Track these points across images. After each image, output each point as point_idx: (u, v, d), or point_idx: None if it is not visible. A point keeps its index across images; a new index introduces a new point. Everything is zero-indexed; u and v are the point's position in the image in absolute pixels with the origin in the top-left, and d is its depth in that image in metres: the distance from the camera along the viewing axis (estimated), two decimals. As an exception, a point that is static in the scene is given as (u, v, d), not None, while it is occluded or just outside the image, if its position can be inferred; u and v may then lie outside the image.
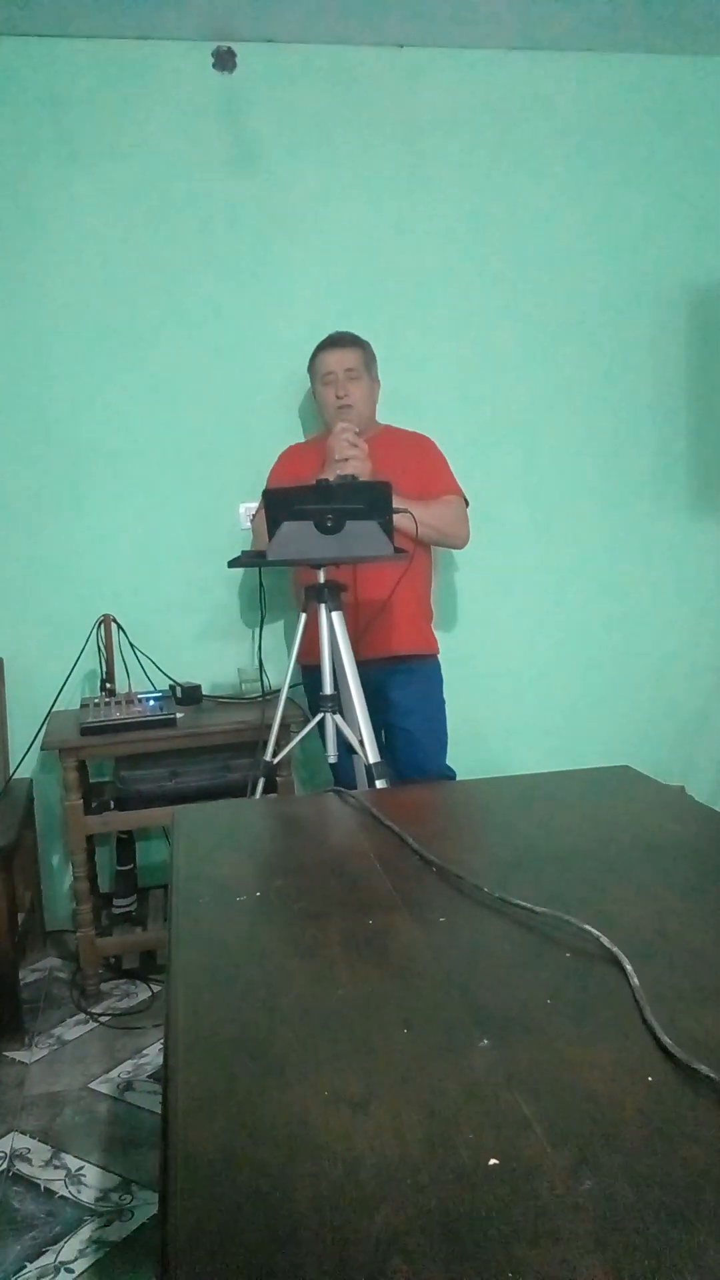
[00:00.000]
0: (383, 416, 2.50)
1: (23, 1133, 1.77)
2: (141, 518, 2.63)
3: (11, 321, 2.53)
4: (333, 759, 2.01)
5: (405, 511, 2.01)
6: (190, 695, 2.47)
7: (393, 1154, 0.62)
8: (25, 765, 2.55)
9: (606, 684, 2.94)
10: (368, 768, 1.94)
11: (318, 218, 2.64)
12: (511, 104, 2.71)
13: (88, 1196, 1.59)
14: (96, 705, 2.32)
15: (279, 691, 2.11)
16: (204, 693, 2.52)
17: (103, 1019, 2.20)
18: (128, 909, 2.48)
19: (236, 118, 2.59)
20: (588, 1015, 0.78)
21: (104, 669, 2.49)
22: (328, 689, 1.97)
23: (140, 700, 2.33)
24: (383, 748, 2.13)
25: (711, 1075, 0.68)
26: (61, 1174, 1.65)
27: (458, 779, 2.32)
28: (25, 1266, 1.44)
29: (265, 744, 2.06)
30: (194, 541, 2.65)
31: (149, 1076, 1.95)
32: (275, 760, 2.07)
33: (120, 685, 2.49)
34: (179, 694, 2.48)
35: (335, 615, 1.95)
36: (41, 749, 2.40)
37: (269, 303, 2.64)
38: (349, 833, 1.32)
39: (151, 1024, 2.15)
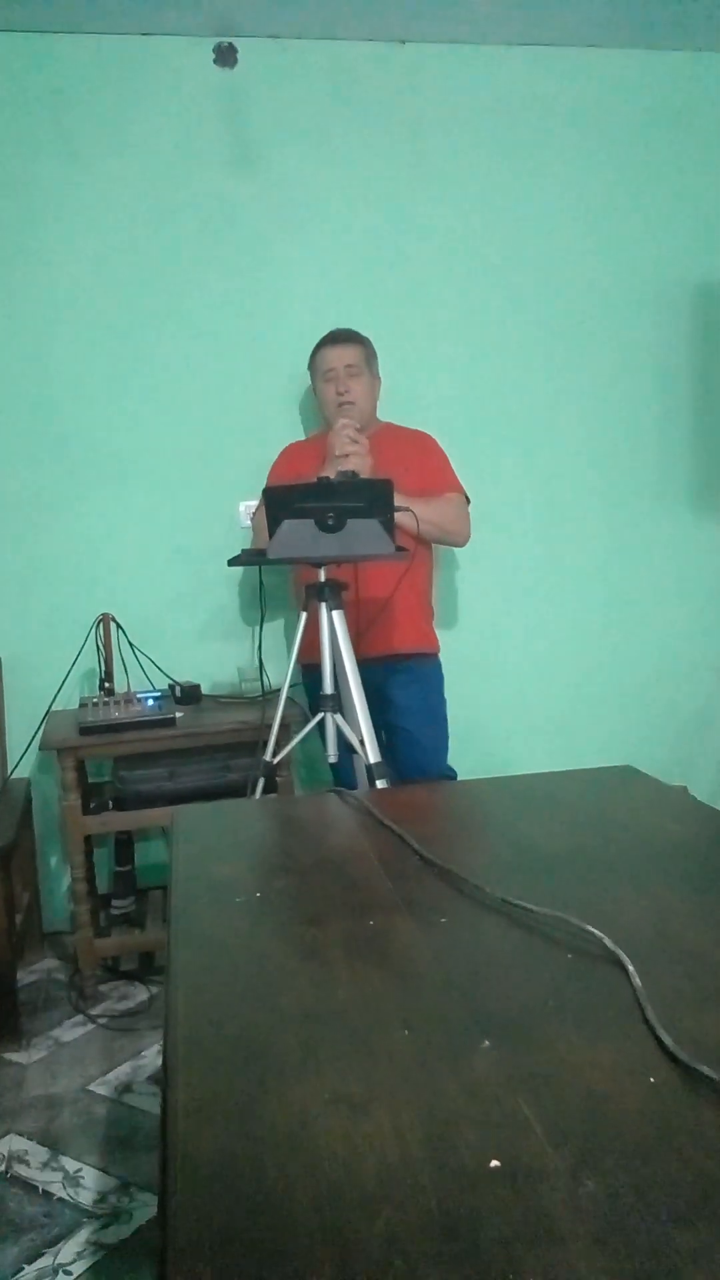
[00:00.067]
0: (384, 414, 2.50)
1: (20, 1134, 1.77)
2: (141, 516, 2.63)
3: (11, 319, 2.52)
4: (333, 759, 2.01)
5: (407, 509, 2.00)
6: (189, 695, 2.47)
7: (393, 1155, 0.62)
8: (23, 765, 2.55)
9: (608, 683, 2.94)
10: (368, 768, 1.93)
11: (319, 214, 2.64)
12: (513, 100, 2.71)
13: (86, 1198, 1.58)
14: (95, 705, 2.32)
15: (279, 691, 2.11)
16: (203, 692, 2.52)
17: (101, 1020, 2.19)
18: (126, 910, 2.48)
19: (237, 114, 2.58)
20: (589, 1016, 0.78)
21: (103, 668, 2.48)
22: (328, 688, 1.96)
23: (139, 700, 2.33)
24: (383, 747, 2.12)
25: (713, 1076, 0.67)
26: (59, 1176, 1.64)
27: (459, 779, 2.32)
28: (23, 1269, 1.43)
29: (265, 744, 2.06)
30: (194, 540, 2.64)
31: (147, 1078, 1.94)
32: (275, 760, 2.06)
33: (119, 685, 2.49)
34: (178, 693, 2.47)
35: (336, 614, 1.95)
36: (40, 749, 2.39)
37: (270, 299, 2.63)
38: (349, 833, 1.32)
39: (150, 1025, 2.15)
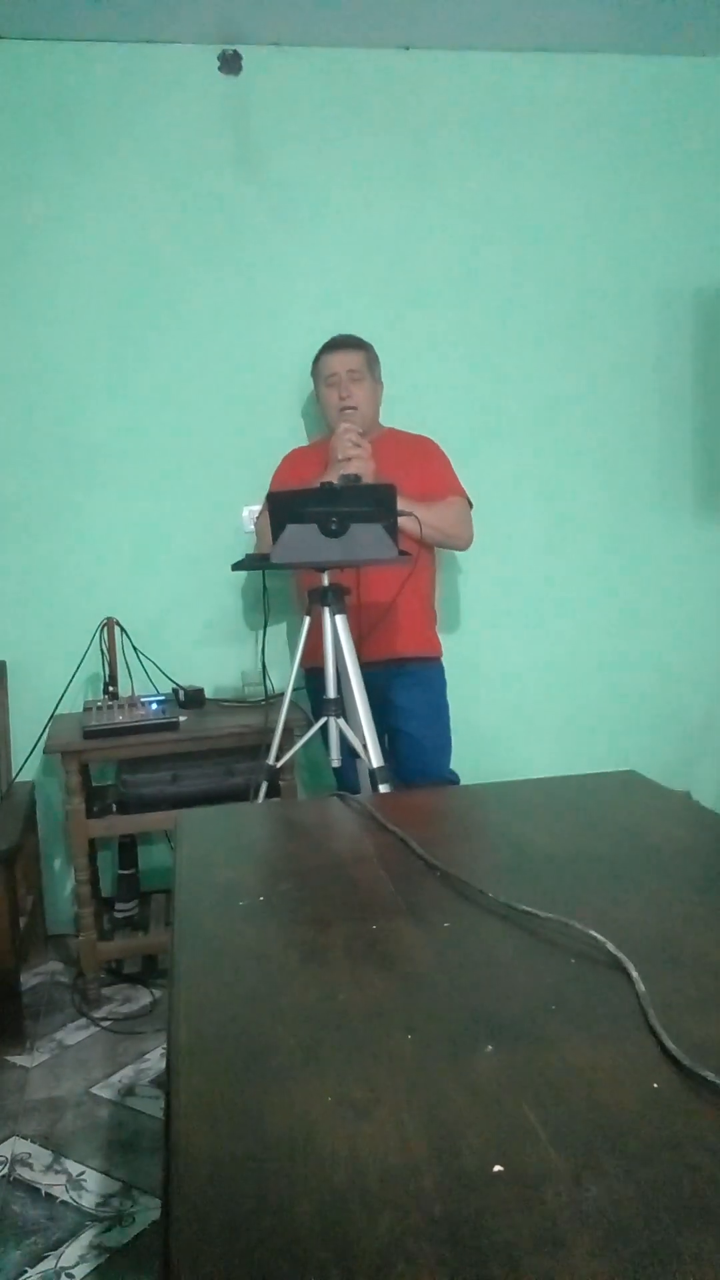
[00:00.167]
0: (386, 419, 2.50)
1: (24, 1137, 1.77)
2: (145, 521, 2.64)
3: (16, 324, 2.53)
4: (336, 763, 2.01)
5: (409, 514, 2.01)
6: (193, 699, 2.47)
7: (396, 1160, 0.62)
8: (28, 769, 2.55)
9: (611, 688, 2.93)
10: (371, 772, 1.93)
11: (322, 220, 2.65)
12: (517, 106, 2.72)
13: (89, 1202, 1.59)
14: (99, 709, 2.32)
15: (282, 695, 2.11)
16: (207, 696, 2.52)
17: (104, 1023, 2.20)
18: (129, 913, 2.48)
19: (242, 120, 2.59)
20: (593, 1021, 0.78)
21: (107, 672, 2.49)
22: (331, 692, 1.97)
23: (143, 704, 2.33)
24: (385, 752, 2.13)
25: (716, 1081, 0.67)
26: (62, 1179, 1.64)
27: (461, 783, 2.32)
28: (26, 1272, 1.43)
29: (268, 748, 2.06)
30: (197, 544, 2.65)
31: (150, 1081, 1.94)
32: (278, 764, 2.06)
33: (123, 689, 2.49)
34: (182, 697, 2.47)
35: (339, 618, 1.95)
36: (44, 752, 2.40)
37: (273, 304, 2.64)
38: (352, 837, 1.32)
39: (153, 1029, 2.15)
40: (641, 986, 0.81)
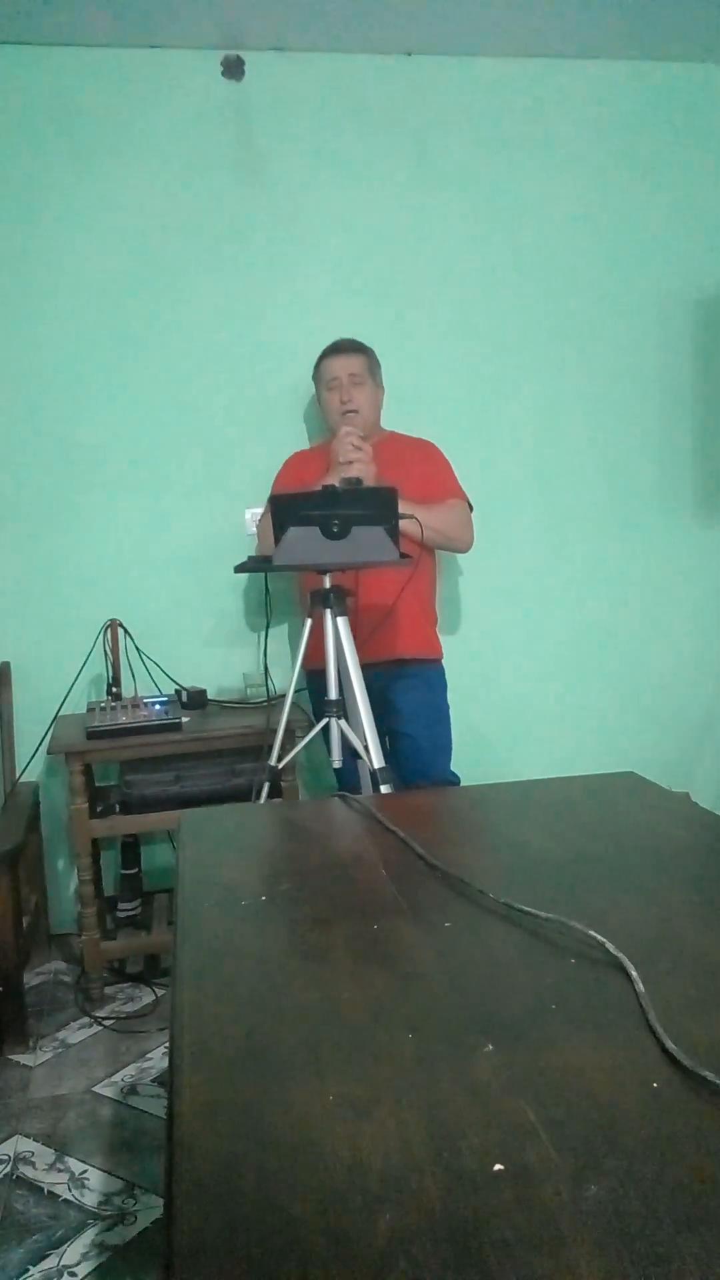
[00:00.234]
0: (388, 423, 2.51)
1: (26, 1136, 1.77)
2: (148, 523, 2.64)
3: (19, 326, 2.54)
4: (337, 764, 2.01)
5: (411, 517, 2.01)
6: (196, 700, 2.48)
7: (397, 1159, 0.62)
8: (31, 769, 2.56)
9: (611, 690, 2.94)
10: (372, 773, 1.94)
11: (324, 225, 2.66)
12: (518, 111, 2.72)
13: (91, 1200, 1.59)
14: (102, 709, 2.33)
15: (284, 696, 2.12)
16: (209, 697, 2.53)
17: (107, 1022, 2.20)
18: (132, 913, 2.48)
19: (244, 125, 2.60)
20: (592, 1020, 0.78)
21: (110, 673, 2.50)
22: (333, 694, 1.97)
23: (146, 704, 2.34)
24: (387, 753, 2.13)
25: (716, 1081, 0.68)
26: (65, 1177, 1.65)
27: (462, 784, 2.32)
28: (28, 1270, 1.44)
29: (270, 749, 2.06)
30: (200, 546, 2.66)
31: (153, 1080, 1.95)
32: (280, 765, 2.07)
33: (126, 689, 2.50)
34: (184, 698, 2.48)
35: (341, 620, 1.96)
36: (48, 753, 2.41)
37: (275, 308, 2.65)
38: (354, 838, 1.32)
39: (155, 1028, 2.15)
40: (641, 986, 0.81)
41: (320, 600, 1.96)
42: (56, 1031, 2.17)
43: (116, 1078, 1.97)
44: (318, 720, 2.05)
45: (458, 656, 2.59)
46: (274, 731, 2.07)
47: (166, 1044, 2.02)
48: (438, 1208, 0.58)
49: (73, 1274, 1.43)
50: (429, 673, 2.42)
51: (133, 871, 2.52)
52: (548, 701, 2.90)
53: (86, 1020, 2.22)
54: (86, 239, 2.55)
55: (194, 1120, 0.68)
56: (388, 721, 2.30)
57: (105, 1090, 1.92)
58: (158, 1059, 2.03)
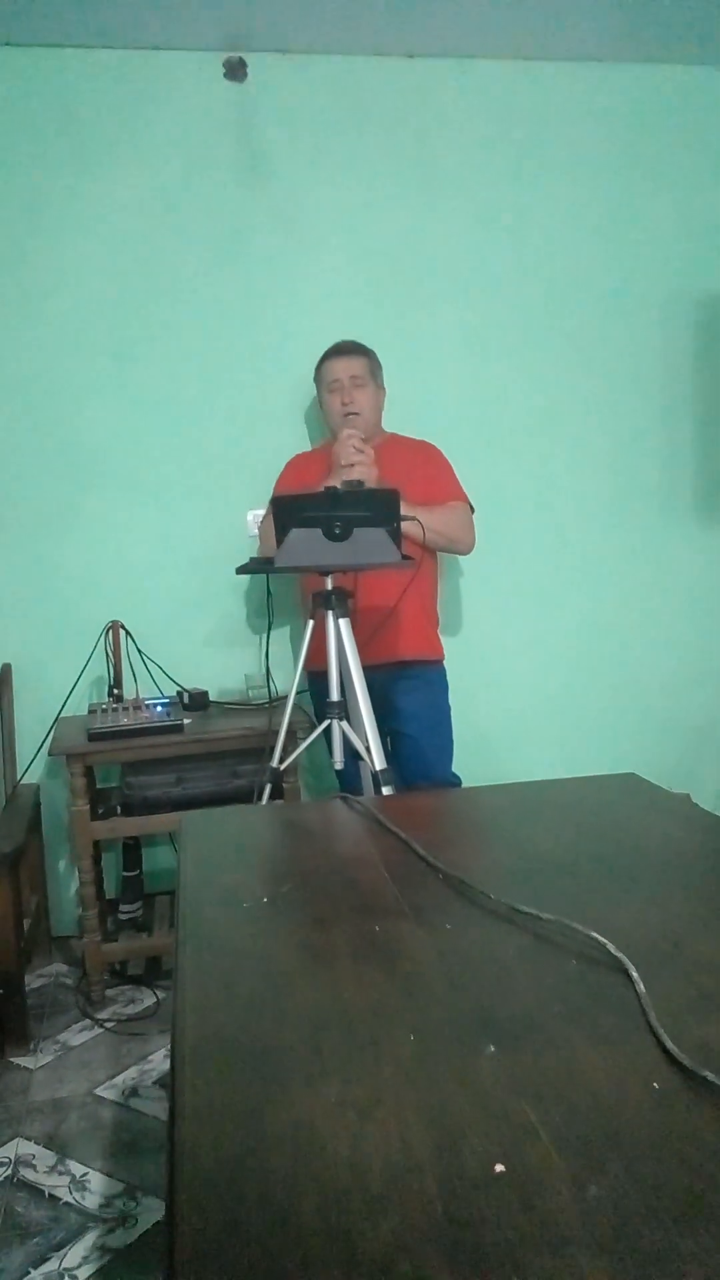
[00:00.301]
0: (390, 425, 2.51)
1: (27, 1139, 1.77)
2: (150, 524, 2.65)
3: (21, 329, 2.55)
4: (339, 765, 2.01)
5: (413, 519, 2.01)
6: (197, 701, 2.48)
7: (399, 1160, 0.62)
8: (33, 770, 2.56)
9: (612, 691, 2.94)
10: (374, 774, 1.94)
11: (326, 226, 2.66)
12: (520, 114, 2.73)
13: (92, 1203, 1.59)
14: (104, 711, 2.33)
15: (286, 698, 2.12)
16: (211, 699, 2.53)
17: (108, 1025, 2.20)
18: (133, 915, 2.48)
19: (246, 127, 2.61)
20: (594, 1022, 0.78)
21: (112, 675, 2.50)
22: (334, 695, 1.97)
23: (147, 706, 2.34)
24: (388, 754, 2.13)
25: (717, 1082, 0.68)
26: (66, 1180, 1.65)
27: (463, 786, 2.32)
28: (29, 1273, 1.44)
29: (272, 750, 2.06)
30: (202, 548, 2.66)
31: (154, 1082, 1.95)
32: (282, 766, 2.07)
33: (128, 691, 2.50)
34: (186, 700, 2.48)
35: (342, 622, 1.96)
36: (49, 754, 2.41)
37: (278, 310, 2.65)
38: (355, 839, 1.32)
39: (157, 1030, 2.15)
40: (642, 988, 0.81)
41: (322, 602, 1.96)
42: (58, 1034, 2.17)
43: (118, 1080, 1.97)
44: (319, 722, 2.05)
45: (459, 658, 2.59)
46: (275, 733, 2.07)
47: (168, 1046, 2.02)
48: (439, 1208, 0.58)
49: (74, 1277, 1.43)
50: (430, 674, 2.42)
51: (134, 873, 2.52)
52: (549, 702, 2.90)
53: (88, 1022, 2.22)
54: (88, 240, 2.55)
55: (195, 1122, 0.68)
56: (389, 723, 2.30)
57: (106, 1092, 1.92)
58: (159, 1061, 2.02)
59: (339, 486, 1.91)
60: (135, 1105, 1.88)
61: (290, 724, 2.08)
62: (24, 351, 2.55)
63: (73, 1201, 1.59)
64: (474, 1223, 0.57)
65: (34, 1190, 1.62)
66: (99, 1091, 1.92)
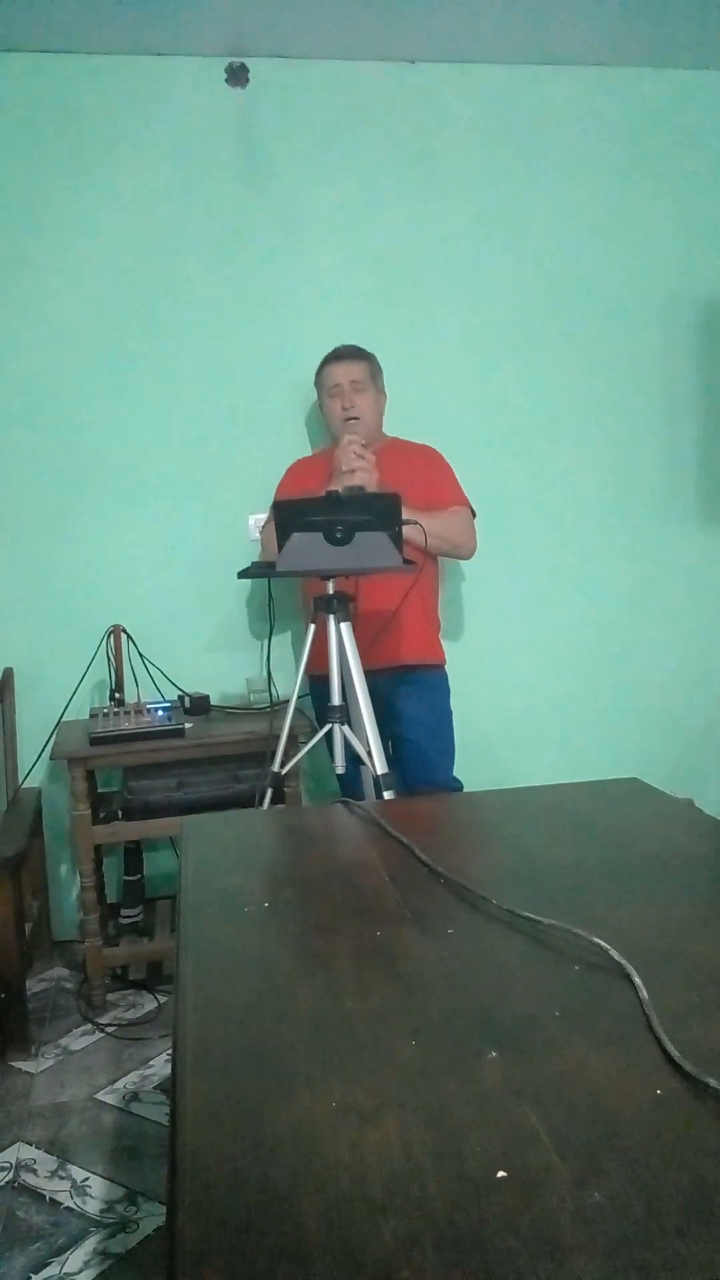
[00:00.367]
0: (391, 429, 2.51)
1: (28, 1143, 1.77)
2: (151, 528, 2.65)
3: (22, 332, 2.55)
4: (340, 770, 2.01)
5: (415, 523, 2.01)
6: (199, 705, 2.48)
7: (401, 1165, 0.62)
8: (34, 775, 2.56)
9: (614, 695, 2.94)
10: (376, 779, 1.94)
11: (327, 231, 2.67)
12: (521, 118, 2.74)
13: (93, 1208, 1.59)
14: (105, 715, 2.33)
15: (287, 702, 2.12)
16: (212, 703, 2.53)
17: (109, 1029, 2.20)
18: (135, 919, 2.48)
19: (248, 132, 2.61)
20: (596, 1027, 0.78)
21: (113, 679, 2.50)
22: (335, 699, 1.97)
23: (149, 710, 2.34)
24: (389, 759, 2.13)
25: (718, 1087, 0.68)
26: (67, 1185, 1.65)
27: (465, 790, 2.32)
28: (30, 1278, 1.43)
29: (273, 754, 2.06)
30: (203, 552, 2.66)
31: (155, 1087, 1.95)
32: (283, 771, 2.07)
33: (129, 695, 2.50)
34: (187, 704, 2.48)
35: (344, 626, 1.96)
36: (50, 758, 2.40)
37: (279, 314, 2.66)
38: (357, 844, 1.32)
39: (158, 1035, 2.15)
40: (644, 993, 0.81)
41: (323, 606, 1.96)
42: (59, 1038, 2.17)
43: (119, 1085, 1.96)
44: (320, 726, 2.05)
45: (461, 662, 2.59)
46: (277, 737, 2.07)
47: (169, 1051, 2.02)
48: (441, 1214, 0.58)
49: (75, 1282, 1.43)
50: (432, 678, 2.42)
51: (135, 878, 2.52)
52: (551, 707, 2.90)
53: (89, 1027, 2.21)
54: (90, 245, 2.56)
55: (197, 1127, 0.68)
56: (391, 727, 2.30)
57: (107, 1097, 1.92)
58: (160, 1066, 2.02)
59: (340, 491, 1.91)
60: (136, 1110, 1.87)
61: (291, 728, 2.08)
62: (25, 353, 2.56)
63: (74, 1206, 1.59)
64: (475, 1227, 0.57)
65: (35, 1195, 1.62)
66: (100, 1096, 1.92)
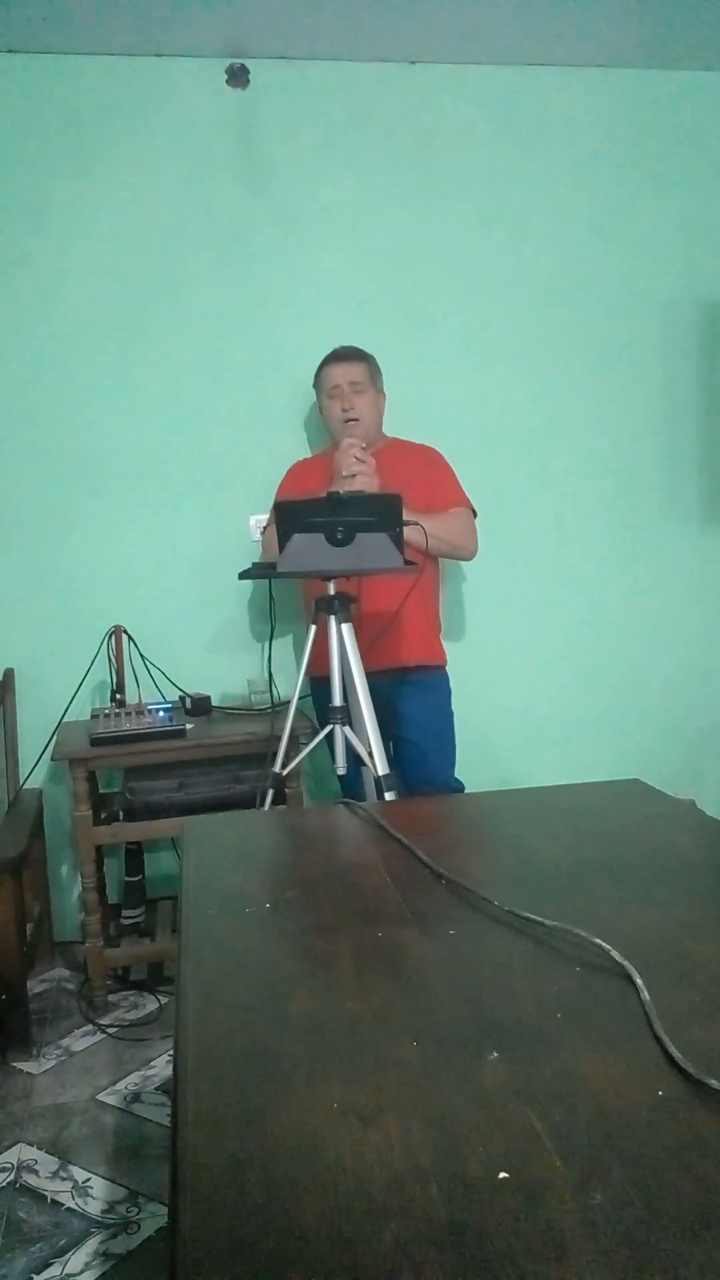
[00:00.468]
0: (391, 429, 2.51)
1: (30, 1144, 1.77)
2: (152, 530, 2.65)
3: (24, 333, 2.55)
4: (341, 771, 2.01)
5: (415, 524, 2.01)
6: (200, 706, 2.48)
7: (402, 1167, 0.62)
8: (35, 776, 2.56)
9: (616, 696, 2.93)
10: (377, 780, 1.94)
11: (328, 231, 2.67)
12: (521, 120, 2.74)
13: (94, 1208, 1.59)
14: (106, 716, 2.33)
15: (288, 703, 2.12)
16: (213, 704, 2.53)
17: (110, 1030, 2.20)
18: (136, 920, 2.48)
19: (249, 133, 2.62)
20: (597, 1028, 0.78)
21: (114, 680, 2.50)
22: (337, 700, 1.97)
23: (150, 711, 2.34)
24: (391, 760, 2.13)
25: (722, 1090, 0.68)
26: (68, 1186, 1.65)
27: (466, 791, 2.32)
28: (31, 1278, 1.43)
29: (274, 755, 2.06)
30: (204, 553, 2.66)
31: (156, 1088, 1.95)
32: (284, 772, 2.06)
33: (130, 696, 2.50)
34: (188, 705, 2.48)
35: (345, 627, 1.96)
36: (51, 759, 2.40)
37: (279, 316, 2.66)
38: (358, 845, 1.32)
39: (159, 1035, 2.15)
40: (646, 994, 0.81)
41: (324, 607, 1.96)
42: (60, 1039, 2.17)
43: (120, 1086, 1.96)
44: (322, 727, 2.05)
45: (462, 663, 2.59)
46: (278, 738, 2.07)
47: (170, 1052, 2.02)
48: (442, 1216, 0.58)
49: (76, 1283, 1.43)
50: (433, 679, 2.42)
51: (136, 879, 2.52)
52: (552, 708, 2.90)
53: (90, 1028, 2.22)
54: (91, 246, 2.56)
55: (198, 1128, 0.68)
56: (392, 728, 2.30)
57: (109, 1098, 1.92)
58: (161, 1067, 2.02)
59: (341, 492, 1.91)
60: (137, 1111, 1.87)
61: (293, 729, 2.08)
62: (25, 354, 2.56)
63: (75, 1207, 1.59)
64: (477, 1229, 0.57)
65: (36, 1196, 1.62)
66: (101, 1097, 1.92)
